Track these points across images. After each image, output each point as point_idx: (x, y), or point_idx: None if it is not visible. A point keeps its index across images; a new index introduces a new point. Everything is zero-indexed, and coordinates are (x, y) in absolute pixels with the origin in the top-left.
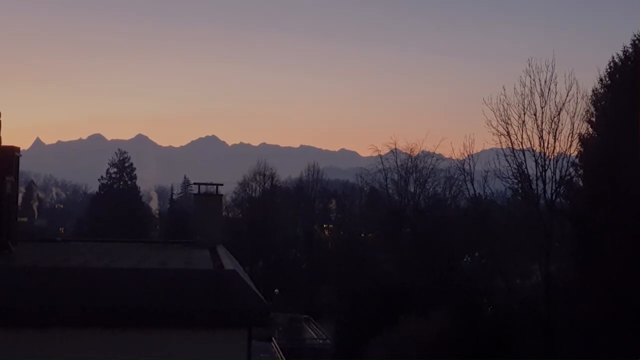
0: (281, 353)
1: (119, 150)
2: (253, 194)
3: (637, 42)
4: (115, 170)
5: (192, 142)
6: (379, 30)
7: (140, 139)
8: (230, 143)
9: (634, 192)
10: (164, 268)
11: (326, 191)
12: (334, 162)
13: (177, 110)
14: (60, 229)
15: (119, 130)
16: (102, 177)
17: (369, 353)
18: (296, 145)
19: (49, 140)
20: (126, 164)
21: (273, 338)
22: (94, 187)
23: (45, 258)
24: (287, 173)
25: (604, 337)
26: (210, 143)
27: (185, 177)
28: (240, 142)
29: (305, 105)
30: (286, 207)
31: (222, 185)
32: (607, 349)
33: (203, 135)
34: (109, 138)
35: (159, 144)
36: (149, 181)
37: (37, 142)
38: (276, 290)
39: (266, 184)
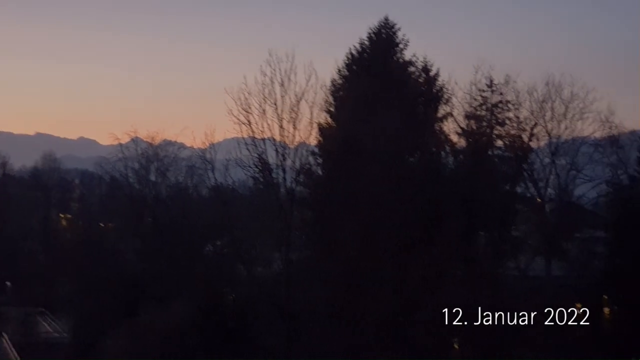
0: (13, 350)
1: None
2: None
3: (372, 35)
4: None
5: None
6: (116, 15)
7: None
8: None
9: (367, 179)
10: None
11: (64, 180)
12: (72, 151)
13: None
14: None
15: None
16: None
17: (108, 344)
18: (31, 132)
19: None
20: None
21: (4, 334)
22: None
23: None
24: (22, 161)
25: (340, 320)
26: None
27: None
28: None
29: (39, 91)
30: (20, 197)
31: None
32: (343, 333)
33: None
34: None
35: None
36: None
37: None
38: (8, 283)
39: None
